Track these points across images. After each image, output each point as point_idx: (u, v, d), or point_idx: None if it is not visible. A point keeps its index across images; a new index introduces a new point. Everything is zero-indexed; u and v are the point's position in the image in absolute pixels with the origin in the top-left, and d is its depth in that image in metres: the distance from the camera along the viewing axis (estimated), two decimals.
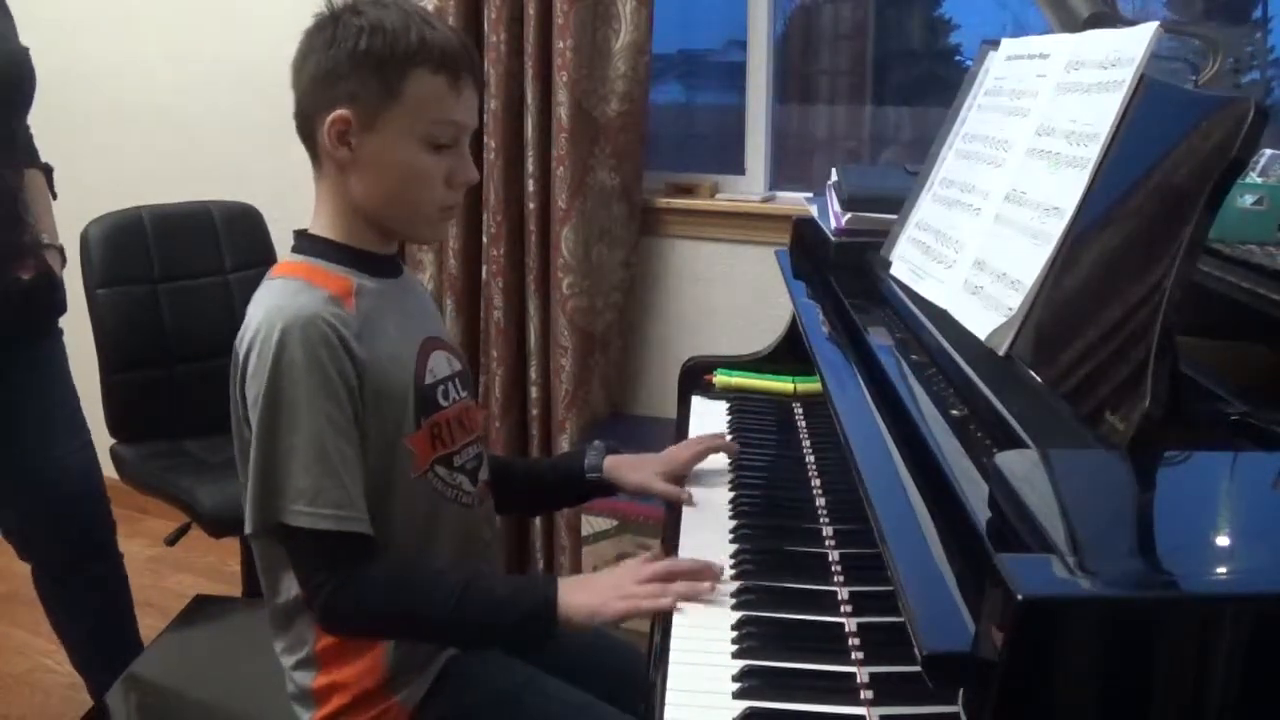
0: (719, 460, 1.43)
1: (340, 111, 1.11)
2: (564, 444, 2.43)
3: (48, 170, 1.87)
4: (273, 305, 1.10)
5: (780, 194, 2.43)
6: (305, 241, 1.18)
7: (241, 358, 1.11)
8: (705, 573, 1.09)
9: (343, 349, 1.09)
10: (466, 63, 1.15)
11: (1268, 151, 1.25)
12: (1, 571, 2.80)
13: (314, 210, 1.19)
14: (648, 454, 1.41)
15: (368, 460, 1.11)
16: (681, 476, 1.39)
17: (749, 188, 2.45)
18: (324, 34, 1.12)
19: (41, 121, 3.05)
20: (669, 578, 1.08)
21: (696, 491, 1.36)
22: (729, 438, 1.48)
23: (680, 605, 1.06)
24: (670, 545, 1.27)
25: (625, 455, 1.41)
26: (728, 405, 1.62)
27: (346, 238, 1.17)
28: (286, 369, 1.06)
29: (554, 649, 1.11)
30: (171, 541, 2.19)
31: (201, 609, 1.64)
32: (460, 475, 1.22)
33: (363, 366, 1.11)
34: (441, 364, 1.22)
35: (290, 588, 1.15)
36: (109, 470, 2.21)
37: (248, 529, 1.10)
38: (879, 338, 1.19)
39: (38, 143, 3.07)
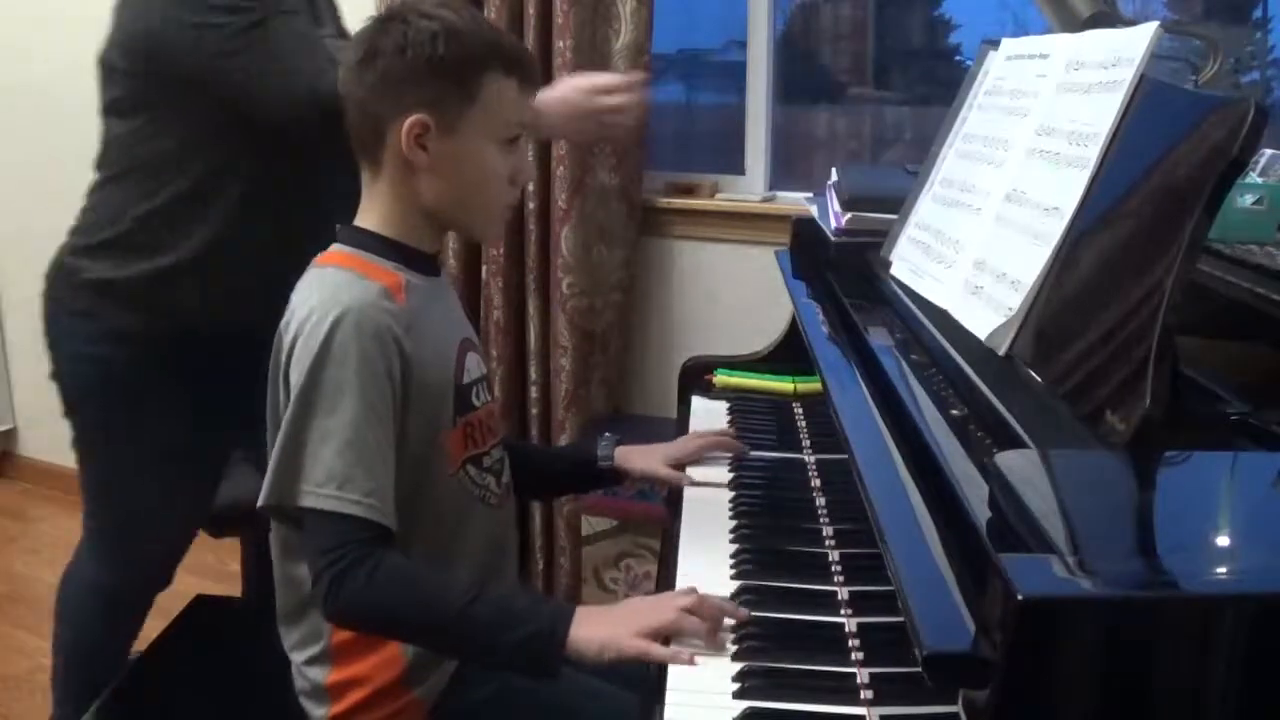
0: (719, 464, 1.43)
1: (419, 116, 1.10)
2: (563, 444, 2.42)
3: None
4: (326, 294, 1.10)
5: (780, 194, 2.42)
6: (353, 234, 1.17)
7: (288, 343, 1.10)
8: (727, 616, 1.03)
9: (393, 342, 1.09)
10: (531, 63, 1.17)
11: (1268, 151, 1.25)
12: (1, 572, 2.81)
13: (363, 205, 1.18)
14: (655, 444, 1.45)
15: (406, 456, 1.10)
16: (686, 465, 1.42)
17: (749, 188, 2.45)
18: (391, 37, 1.10)
19: (42, 121, 3.06)
20: (697, 609, 1.01)
21: (696, 491, 1.36)
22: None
23: (697, 660, 0.99)
24: (670, 544, 1.27)
25: (633, 445, 1.44)
26: (728, 405, 1.62)
27: (397, 234, 1.16)
28: (335, 356, 1.06)
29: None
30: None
31: (201, 609, 1.64)
32: (489, 476, 1.23)
33: (409, 361, 1.11)
34: (474, 365, 1.23)
35: (307, 580, 1.14)
36: None
37: (261, 501, 1.09)
38: (879, 338, 1.19)
39: (38, 142, 3.08)
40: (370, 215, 1.17)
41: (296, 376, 1.08)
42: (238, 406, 1.51)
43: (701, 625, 1.00)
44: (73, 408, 1.64)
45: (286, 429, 1.07)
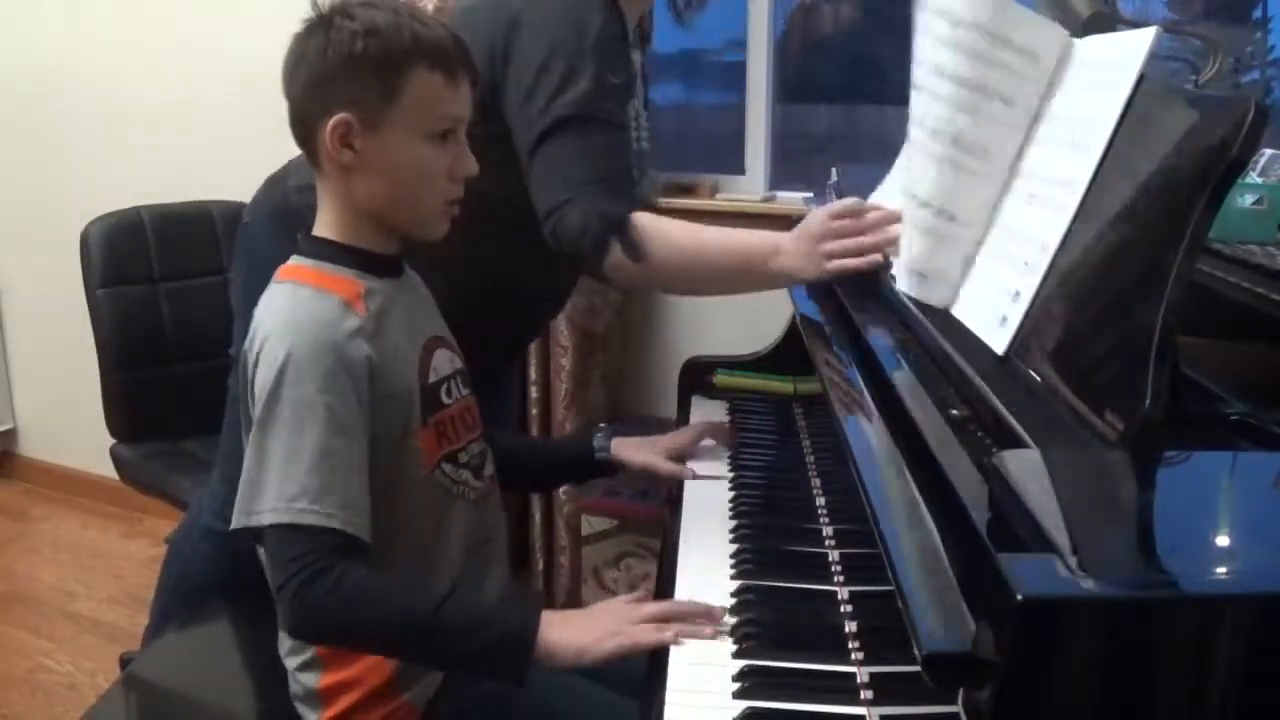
0: (719, 460, 1.44)
1: (341, 115, 1.11)
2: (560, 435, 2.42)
3: None
4: (285, 314, 1.10)
5: (780, 194, 2.42)
6: (311, 244, 1.18)
7: (251, 364, 1.11)
8: (705, 617, 1.05)
9: (355, 353, 1.09)
10: (459, 56, 1.15)
11: (1268, 151, 1.25)
12: (2, 572, 2.81)
13: (318, 213, 1.19)
14: (652, 436, 1.46)
15: (377, 460, 1.10)
16: (684, 458, 1.43)
17: (749, 188, 2.45)
18: (315, 39, 1.12)
19: (41, 121, 3.06)
20: (665, 619, 1.04)
21: (696, 491, 1.36)
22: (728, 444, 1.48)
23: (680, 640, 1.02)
24: (670, 544, 1.27)
25: (629, 437, 1.45)
26: (728, 405, 1.62)
27: (352, 239, 1.17)
28: (293, 379, 1.06)
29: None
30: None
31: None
32: (465, 471, 1.22)
33: (374, 367, 1.11)
34: (444, 362, 1.23)
35: None
36: (109, 470, 2.21)
37: (234, 524, 1.08)
38: (879, 338, 1.19)
39: (36, 144, 3.09)
40: (324, 221, 1.18)
41: (259, 397, 1.08)
42: None
43: (684, 629, 1.02)
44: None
45: (252, 450, 1.07)
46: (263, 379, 1.08)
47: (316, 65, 1.11)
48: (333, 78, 1.11)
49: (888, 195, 1.33)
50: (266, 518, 1.05)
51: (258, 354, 1.10)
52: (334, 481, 1.06)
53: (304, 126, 1.14)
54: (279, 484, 1.05)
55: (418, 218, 1.18)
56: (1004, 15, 1.13)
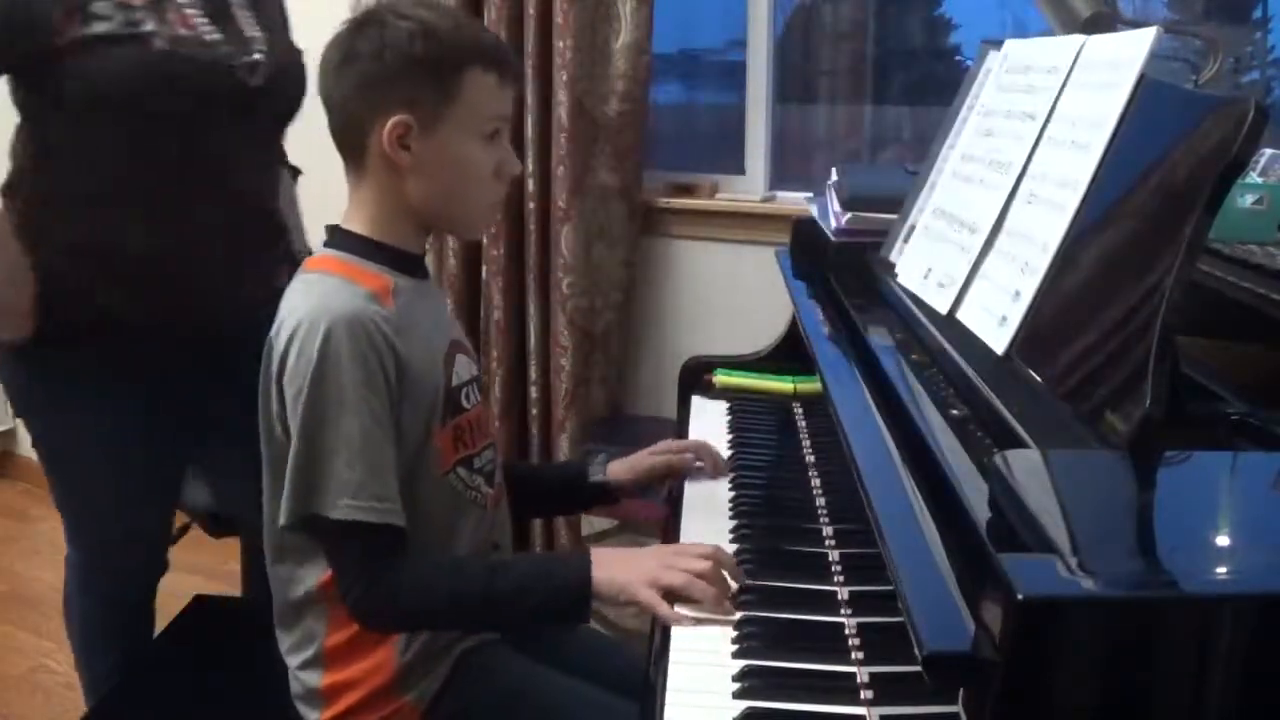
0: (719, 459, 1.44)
1: (400, 117, 1.10)
2: (564, 443, 2.42)
3: (295, 172, 1.72)
4: (316, 302, 1.10)
5: (780, 194, 2.42)
6: (341, 237, 1.17)
7: (280, 353, 1.10)
8: (726, 592, 1.06)
9: (386, 346, 1.10)
10: (509, 57, 1.17)
11: (1268, 151, 1.25)
12: (2, 572, 2.81)
13: (349, 208, 1.18)
14: (635, 454, 1.44)
15: (399, 457, 1.11)
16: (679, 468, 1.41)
17: (749, 188, 2.45)
18: (369, 39, 1.10)
19: None
20: (699, 576, 1.06)
21: (696, 491, 1.36)
22: (728, 444, 1.48)
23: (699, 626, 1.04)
24: (671, 544, 1.26)
25: (620, 459, 1.43)
26: (728, 405, 1.62)
27: (384, 236, 1.17)
28: (333, 366, 1.07)
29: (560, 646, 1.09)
30: (171, 541, 2.19)
31: (201, 609, 1.64)
32: (478, 477, 1.23)
33: (403, 362, 1.11)
34: (464, 367, 1.23)
35: (303, 583, 1.16)
36: None
37: (283, 521, 1.10)
38: (879, 338, 1.19)
39: None
40: (356, 217, 1.17)
41: (294, 390, 1.08)
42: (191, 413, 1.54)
43: (710, 592, 1.04)
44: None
45: (298, 446, 1.07)
46: (299, 366, 1.08)
47: (371, 66, 1.10)
48: (389, 79, 1.10)
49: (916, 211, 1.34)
50: (331, 511, 1.07)
51: (288, 341, 1.09)
52: (381, 472, 1.08)
53: (351, 126, 1.13)
54: (334, 477, 1.06)
55: (466, 217, 1.21)
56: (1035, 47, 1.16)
